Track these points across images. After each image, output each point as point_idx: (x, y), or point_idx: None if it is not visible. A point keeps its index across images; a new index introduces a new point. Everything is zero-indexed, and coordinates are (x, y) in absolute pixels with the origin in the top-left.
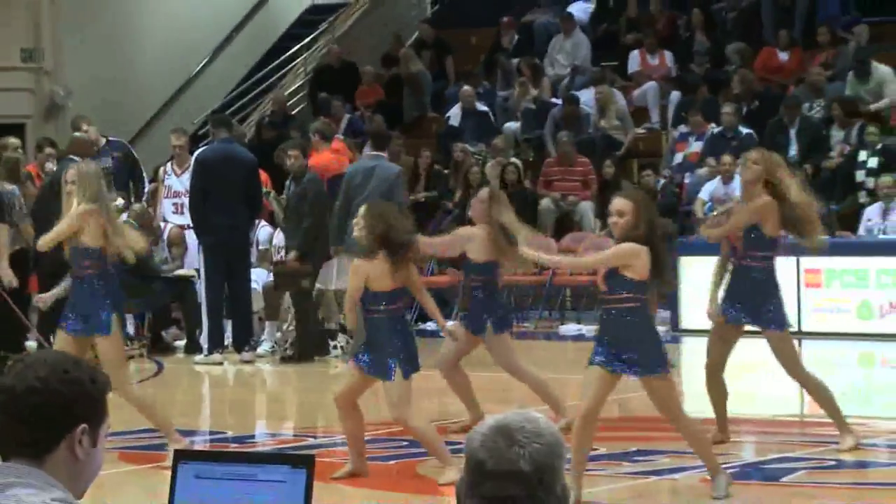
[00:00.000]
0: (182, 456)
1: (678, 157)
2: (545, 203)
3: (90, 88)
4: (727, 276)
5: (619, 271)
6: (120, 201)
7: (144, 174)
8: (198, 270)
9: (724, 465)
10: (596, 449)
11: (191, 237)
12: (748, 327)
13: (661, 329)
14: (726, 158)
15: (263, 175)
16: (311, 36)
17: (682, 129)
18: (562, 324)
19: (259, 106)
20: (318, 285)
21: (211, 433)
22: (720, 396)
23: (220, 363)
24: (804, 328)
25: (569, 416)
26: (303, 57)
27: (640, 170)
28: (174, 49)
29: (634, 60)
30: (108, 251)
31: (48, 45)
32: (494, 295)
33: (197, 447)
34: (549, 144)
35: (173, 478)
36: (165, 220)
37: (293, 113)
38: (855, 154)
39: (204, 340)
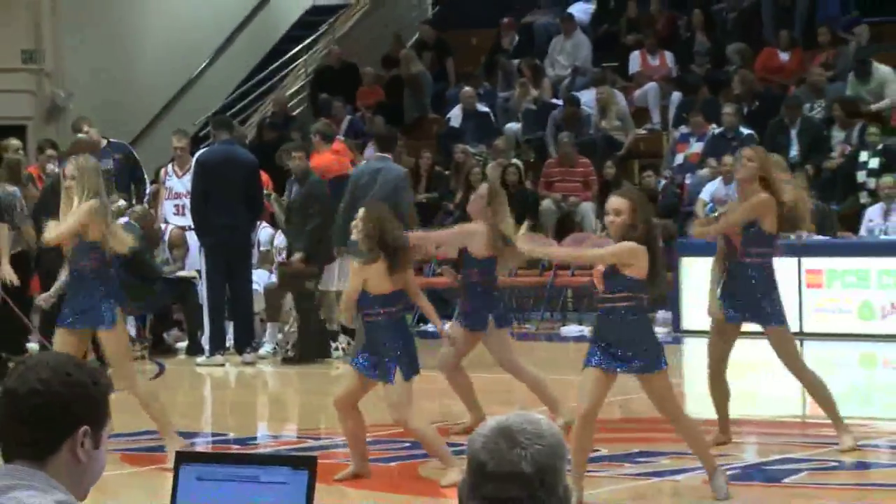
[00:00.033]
0: (184, 458)
1: (679, 158)
2: (546, 204)
3: (91, 90)
4: (725, 275)
5: (619, 270)
6: (121, 203)
7: (145, 175)
8: (199, 272)
9: (725, 466)
10: (597, 450)
11: (192, 238)
12: (749, 327)
13: (661, 330)
14: (727, 159)
15: (264, 176)
16: (312, 37)
17: (683, 129)
18: (563, 325)
19: (260, 107)
20: (319, 287)
21: (213, 435)
22: (723, 398)
23: (222, 365)
24: (805, 329)
25: (567, 416)
26: (303, 58)
27: (640, 170)
28: (175, 50)
29: (635, 61)
30: (105, 247)
31: (49, 46)
32: (494, 291)
33: (199, 449)
34: (549, 145)
35: (175, 479)
36: (166, 222)
37: (294, 114)
38: (856, 154)
39: (205, 342)
